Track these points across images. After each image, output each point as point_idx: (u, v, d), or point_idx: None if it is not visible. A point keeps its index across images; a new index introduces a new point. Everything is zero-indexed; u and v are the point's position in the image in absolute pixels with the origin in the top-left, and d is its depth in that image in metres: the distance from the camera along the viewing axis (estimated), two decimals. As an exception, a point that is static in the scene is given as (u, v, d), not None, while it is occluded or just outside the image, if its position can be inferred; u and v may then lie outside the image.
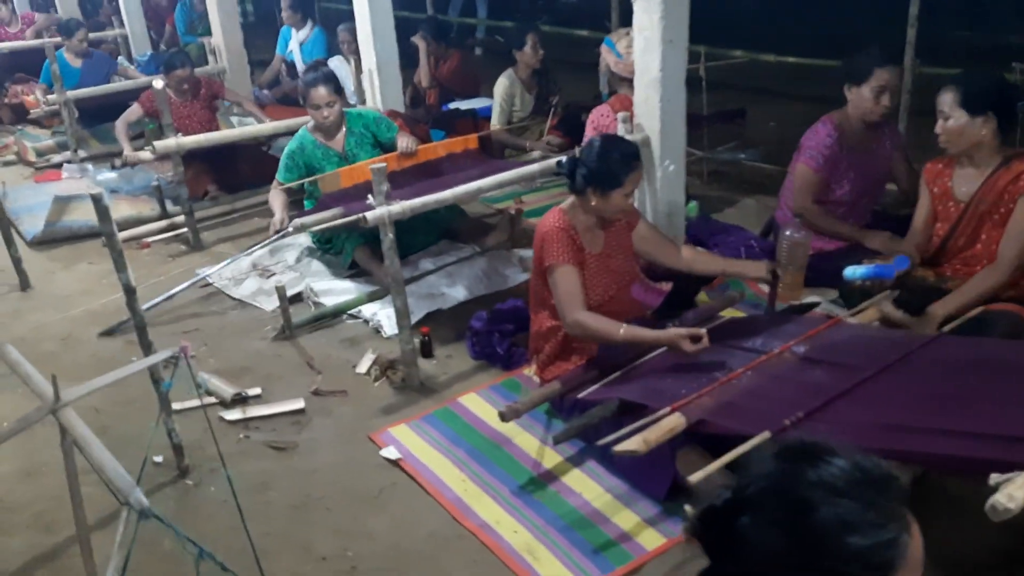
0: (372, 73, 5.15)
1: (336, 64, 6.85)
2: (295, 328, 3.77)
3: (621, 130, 3.72)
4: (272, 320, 3.92)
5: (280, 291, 3.70)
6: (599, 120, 4.38)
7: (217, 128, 5.91)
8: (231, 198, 5.39)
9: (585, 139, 4.50)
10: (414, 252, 4.34)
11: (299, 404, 3.23)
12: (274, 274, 4.34)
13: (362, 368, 3.47)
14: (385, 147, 4.54)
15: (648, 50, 3.57)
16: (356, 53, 6.64)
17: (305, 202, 4.48)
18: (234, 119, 6.49)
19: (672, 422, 2.37)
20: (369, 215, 3.07)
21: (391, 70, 5.19)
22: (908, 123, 5.01)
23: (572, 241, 2.85)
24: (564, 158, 2.95)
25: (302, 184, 4.36)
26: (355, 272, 4.29)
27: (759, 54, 6.44)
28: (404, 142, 4.31)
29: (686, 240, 3.89)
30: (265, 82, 7.53)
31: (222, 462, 2.32)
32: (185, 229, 4.89)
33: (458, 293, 3.95)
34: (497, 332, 3.40)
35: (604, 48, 4.34)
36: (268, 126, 5.10)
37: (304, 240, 4.60)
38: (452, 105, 6.08)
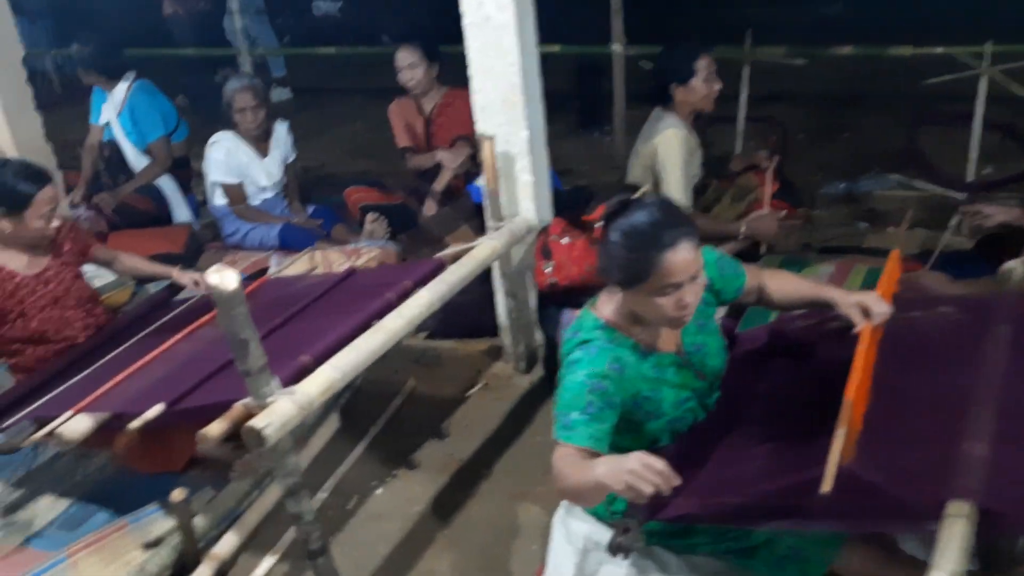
0: (518, 158, 2.74)
1: (229, 146, 4.01)
2: None
3: None
4: None
5: None
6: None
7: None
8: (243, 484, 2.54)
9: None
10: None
11: None
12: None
13: None
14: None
15: None
16: (261, 126, 3.96)
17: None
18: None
19: None
20: None
21: (540, 143, 2.82)
22: None
23: None
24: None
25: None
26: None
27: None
28: (873, 302, 2.06)
29: None
30: (85, 182, 4.28)
31: None
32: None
33: None
34: None
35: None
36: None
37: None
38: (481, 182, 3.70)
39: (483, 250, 2.62)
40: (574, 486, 1.76)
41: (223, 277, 1.79)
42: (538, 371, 2.98)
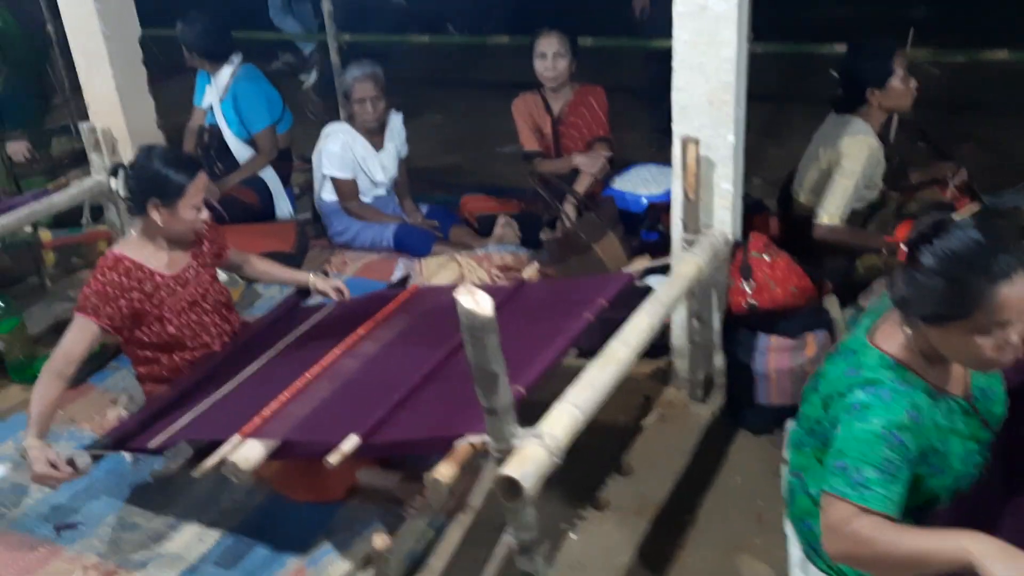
0: (719, 164, 2.46)
1: (346, 139, 3.73)
2: None
3: None
4: None
5: None
6: None
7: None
8: (419, 523, 2.24)
9: None
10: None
11: None
12: None
13: None
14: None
15: None
16: (380, 118, 3.69)
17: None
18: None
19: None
20: None
21: (741, 149, 2.53)
22: None
23: None
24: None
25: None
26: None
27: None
28: None
29: None
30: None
31: None
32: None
33: None
34: None
35: None
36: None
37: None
38: (621, 186, 3.45)
39: (688, 266, 2.33)
40: (902, 556, 1.48)
41: (478, 300, 1.51)
42: (716, 399, 2.69)
